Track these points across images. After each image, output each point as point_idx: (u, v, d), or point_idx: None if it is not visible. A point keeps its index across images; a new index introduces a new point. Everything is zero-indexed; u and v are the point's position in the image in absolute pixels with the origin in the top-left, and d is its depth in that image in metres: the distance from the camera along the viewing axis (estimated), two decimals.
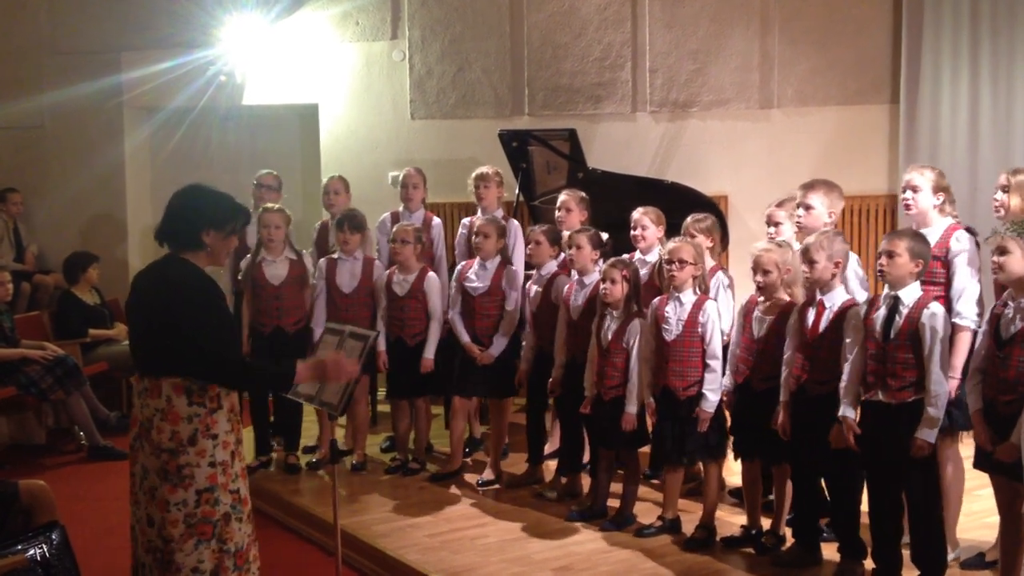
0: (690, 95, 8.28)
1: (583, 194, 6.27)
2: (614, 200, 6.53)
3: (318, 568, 5.17)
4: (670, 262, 5.06)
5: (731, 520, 5.27)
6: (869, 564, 4.55)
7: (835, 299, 4.55)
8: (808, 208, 5.02)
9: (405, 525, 5.43)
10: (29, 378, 7.02)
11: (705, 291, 5.15)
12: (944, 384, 4.21)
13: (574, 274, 5.67)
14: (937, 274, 4.55)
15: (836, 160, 7.78)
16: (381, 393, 7.27)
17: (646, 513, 5.36)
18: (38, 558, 4.02)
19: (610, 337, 5.26)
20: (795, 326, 4.65)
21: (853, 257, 4.88)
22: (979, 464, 4.28)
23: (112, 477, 6.38)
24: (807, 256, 4.54)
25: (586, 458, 5.77)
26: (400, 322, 6.20)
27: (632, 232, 5.82)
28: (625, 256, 5.65)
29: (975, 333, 4.42)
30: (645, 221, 5.77)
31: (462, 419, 6.27)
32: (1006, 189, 4.66)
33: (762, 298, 4.86)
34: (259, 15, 8.58)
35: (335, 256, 6.37)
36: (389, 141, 8.74)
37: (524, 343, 6.03)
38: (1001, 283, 4.27)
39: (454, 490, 5.98)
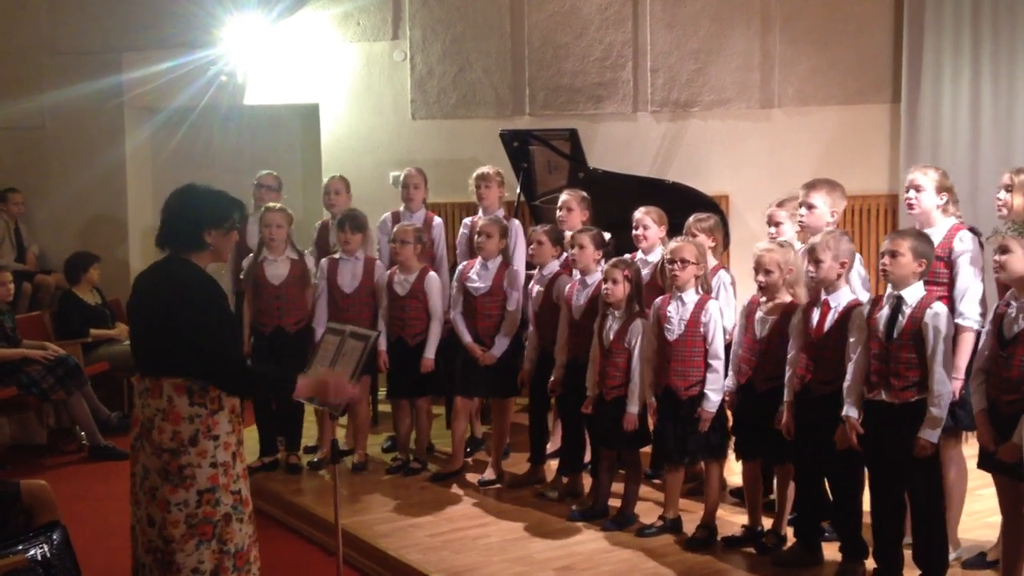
0: (691, 95, 8.27)
1: (584, 194, 6.27)
2: (615, 200, 6.52)
3: (319, 568, 5.17)
4: (672, 262, 5.06)
5: (732, 520, 5.26)
6: (870, 564, 4.54)
7: (840, 299, 4.54)
8: (811, 207, 5.01)
9: (406, 525, 5.42)
10: (30, 378, 7.01)
11: (707, 291, 5.15)
12: (947, 384, 4.20)
13: (576, 274, 5.67)
14: (940, 274, 4.53)
15: (837, 160, 7.76)
16: (382, 393, 7.26)
17: (647, 513, 5.36)
18: (39, 558, 4.02)
19: (612, 337, 5.25)
20: (799, 326, 4.64)
21: (857, 257, 4.87)
22: (983, 464, 4.27)
23: (113, 477, 6.37)
24: (813, 255, 4.52)
25: (587, 458, 5.77)
26: (401, 322, 6.19)
27: (634, 232, 5.81)
28: (627, 256, 5.64)
29: (978, 333, 4.40)
30: (647, 221, 5.77)
31: (464, 419, 6.27)
32: (1009, 188, 4.64)
33: (764, 298, 4.85)
34: (260, 15, 8.57)
35: (336, 256, 6.37)
36: (390, 141, 8.73)
37: (527, 343, 6.03)
38: (1003, 282, 4.27)
39: (455, 490, 5.98)
